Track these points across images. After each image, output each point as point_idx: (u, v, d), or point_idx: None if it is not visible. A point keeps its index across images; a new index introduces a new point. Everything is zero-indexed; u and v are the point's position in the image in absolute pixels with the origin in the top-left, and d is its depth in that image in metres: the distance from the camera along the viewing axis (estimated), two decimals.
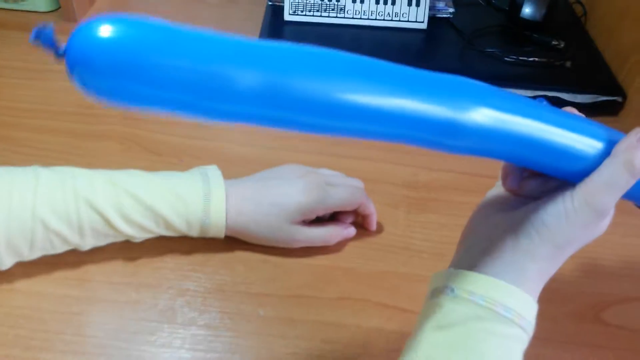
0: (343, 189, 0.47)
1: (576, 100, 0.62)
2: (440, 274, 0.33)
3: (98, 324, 0.41)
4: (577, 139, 0.31)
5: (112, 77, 0.25)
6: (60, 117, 0.59)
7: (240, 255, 0.46)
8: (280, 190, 0.45)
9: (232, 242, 0.46)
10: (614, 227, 0.49)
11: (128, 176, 0.44)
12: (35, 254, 0.42)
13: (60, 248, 0.42)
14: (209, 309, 0.42)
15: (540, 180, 0.34)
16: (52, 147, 0.55)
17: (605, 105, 0.63)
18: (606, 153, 0.31)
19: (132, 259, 0.45)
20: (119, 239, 0.43)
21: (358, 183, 0.49)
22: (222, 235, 0.45)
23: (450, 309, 0.31)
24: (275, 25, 0.68)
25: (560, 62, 0.64)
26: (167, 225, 0.43)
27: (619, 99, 0.62)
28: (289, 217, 0.45)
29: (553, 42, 0.66)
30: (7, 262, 0.41)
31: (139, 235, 0.43)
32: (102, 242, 0.43)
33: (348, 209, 0.47)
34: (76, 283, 0.43)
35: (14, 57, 0.66)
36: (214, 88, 0.26)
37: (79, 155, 0.54)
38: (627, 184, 0.30)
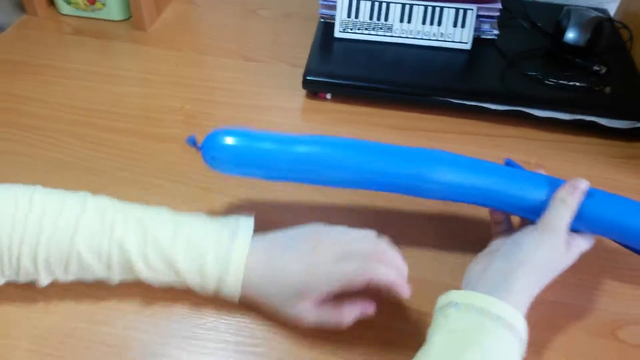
0: (356, 264, 0.42)
1: (613, 126, 0.64)
2: (445, 295, 0.40)
3: (155, 306, 0.46)
4: (523, 188, 0.45)
5: (227, 165, 0.47)
6: (127, 119, 0.65)
7: None
8: (290, 267, 0.43)
9: None
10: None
11: (160, 221, 0.44)
12: (69, 278, 0.44)
13: (91, 278, 0.44)
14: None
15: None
16: (119, 146, 0.61)
17: None
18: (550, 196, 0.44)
19: None
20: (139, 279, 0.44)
21: (388, 251, 0.44)
22: (235, 300, 0.44)
23: (456, 317, 0.38)
24: (326, 41, 0.72)
25: (600, 87, 0.66)
26: (182, 279, 0.43)
27: None
28: (294, 296, 0.42)
29: (594, 67, 0.68)
30: (45, 281, 0.44)
31: (156, 283, 0.44)
32: (129, 279, 0.44)
33: (359, 286, 0.42)
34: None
35: (89, 62, 0.73)
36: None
37: (143, 154, 0.60)
38: (567, 217, 0.43)
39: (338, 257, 0.42)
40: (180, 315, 0.46)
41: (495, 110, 0.65)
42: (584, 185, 0.44)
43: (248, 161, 0.46)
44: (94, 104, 0.67)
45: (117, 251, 0.43)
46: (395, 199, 0.56)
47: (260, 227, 0.46)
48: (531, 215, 0.45)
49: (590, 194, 0.44)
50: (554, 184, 0.45)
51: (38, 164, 0.58)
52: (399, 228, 0.54)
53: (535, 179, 0.46)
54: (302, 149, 0.46)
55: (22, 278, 0.43)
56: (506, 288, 0.40)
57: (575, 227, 0.44)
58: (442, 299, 0.40)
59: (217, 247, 0.43)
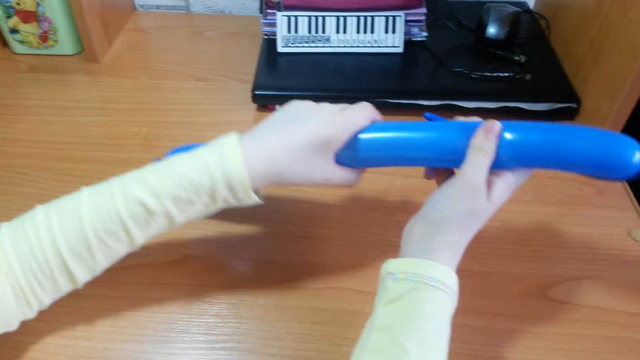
0: (359, 108, 0.47)
1: (535, 109, 0.71)
2: (385, 265, 0.43)
3: (130, 317, 0.51)
4: (443, 140, 0.45)
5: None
6: (89, 147, 0.68)
7: (245, 256, 0.56)
8: (305, 131, 0.44)
9: (236, 246, 0.56)
10: (555, 218, 0.58)
11: (154, 164, 0.46)
12: (99, 264, 0.44)
13: (117, 251, 0.44)
14: (218, 302, 0.52)
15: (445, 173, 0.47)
16: (84, 174, 0.65)
17: (562, 112, 0.71)
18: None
19: (158, 265, 0.55)
20: (161, 223, 0.44)
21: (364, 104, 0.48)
22: (249, 189, 0.43)
23: (393, 288, 0.41)
24: (271, 57, 0.78)
25: (521, 75, 0.73)
26: (194, 187, 0.43)
27: (574, 104, 0.71)
28: (322, 155, 0.45)
29: (515, 58, 0.75)
30: (80, 275, 0.44)
31: (176, 212, 0.43)
32: (150, 232, 0.44)
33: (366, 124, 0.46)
34: (111, 286, 0.53)
35: (48, 97, 0.76)
36: None
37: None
38: (486, 164, 0.43)
39: (341, 109, 0.46)
40: (153, 322, 0.50)
41: (428, 105, 0.71)
42: (497, 127, 0.43)
43: None
44: (57, 136, 0.70)
45: (124, 206, 0.42)
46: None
47: None
48: (458, 165, 0.44)
49: (510, 129, 0.44)
50: (472, 129, 0.44)
51: (14, 199, 0.62)
52: (345, 251, 0.59)
53: (454, 127, 0.46)
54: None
55: (62, 285, 0.44)
56: (429, 249, 0.42)
57: (504, 166, 0.44)
58: (383, 269, 0.43)
59: (209, 148, 0.44)
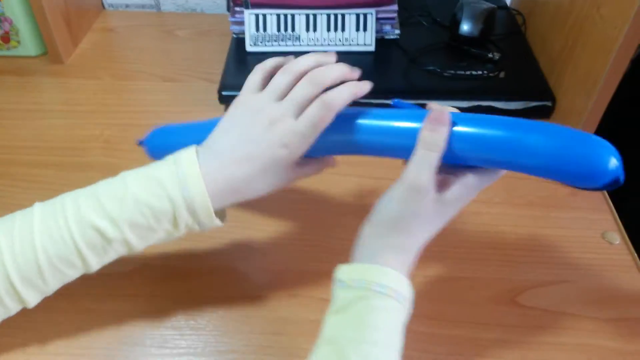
0: (315, 109, 0.42)
1: (509, 108, 0.69)
2: (338, 271, 0.40)
3: (80, 329, 0.48)
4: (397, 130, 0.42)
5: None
6: (50, 151, 0.66)
7: (205, 264, 0.54)
8: (262, 155, 0.42)
9: (197, 254, 0.54)
10: (527, 220, 0.57)
11: (107, 183, 0.43)
12: (52, 287, 0.42)
13: (71, 276, 0.42)
14: (174, 313, 0.50)
15: None
16: (43, 180, 0.62)
17: (537, 110, 0.69)
18: None
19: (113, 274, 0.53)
20: (119, 250, 0.42)
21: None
22: (212, 213, 0.41)
23: (341, 296, 0.39)
24: (239, 56, 0.75)
25: (495, 73, 0.71)
26: (154, 213, 0.40)
27: (549, 103, 0.69)
28: (282, 168, 0.42)
29: (489, 55, 0.73)
30: (31, 299, 0.42)
31: (135, 239, 0.41)
32: (106, 259, 0.43)
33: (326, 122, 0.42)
34: (61, 297, 0.51)
35: (10, 100, 0.74)
36: None
37: (66, 185, 0.60)
38: (432, 159, 0.38)
39: (297, 106, 0.42)
40: (106, 336, 0.48)
41: None
42: (445, 117, 0.39)
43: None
44: (19, 140, 0.68)
45: (79, 231, 0.40)
46: None
47: None
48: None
49: (460, 121, 0.39)
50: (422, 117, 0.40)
51: None
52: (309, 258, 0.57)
53: (414, 115, 0.41)
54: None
55: (11, 308, 0.42)
56: (376, 252, 0.39)
57: (455, 162, 0.40)
58: (334, 276, 0.41)
59: (167, 166, 0.42)
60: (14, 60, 0.81)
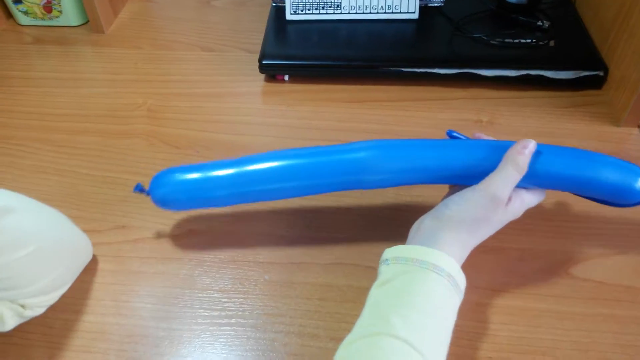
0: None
1: (559, 77, 0.66)
2: (384, 252, 0.43)
3: (131, 291, 0.49)
4: (467, 159, 0.46)
5: (180, 203, 0.49)
6: (93, 119, 0.67)
7: (249, 229, 0.53)
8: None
9: (241, 219, 0.54)
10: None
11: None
12: None
13: None
14: (222, 277, 0.50)
15: None
16: (87, 147, 0.63)
17: (588, 80, 0.67)
18: (499, 159, 0.44)
19: (160, 239, 0.53)
20: None
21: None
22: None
23: (385, 271, 0.41)
24: (279, 25, 0.74)
25: (545, 42, 0.69)
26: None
27: (601, 72, 0.66)
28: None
29: (538, 23, 0.70)
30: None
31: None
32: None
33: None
34: (113, 260, 0.51)
35: (52, 69, 0.75)
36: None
37: (110, 152, 0.62)
38: (515, 177, 0.43)
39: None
40: (155, 297, 0.48)
41: (445, 74, 0.67)
42: (532, 145, 0.44)
43: (198, 194, 0.47)
44: (60, 108, 0.68)
45: None
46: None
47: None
48: (479, 180, 0.45)
49: (538, 152, 0.45)
50: (497, 148, 0.45)
51: (13, 172, 0.60)
52: (354, 225, 0.56)
53: (478, 146, 0.46)
54: (240, 169, 0.47)
55: None
56: (434, 242, 0.42)
57: (527, 184, 0.45)
58: (380, 259, 0.43)
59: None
60: (56, 29, 0.81)
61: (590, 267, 0.50)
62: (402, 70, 0.68)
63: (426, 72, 0.67)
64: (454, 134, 0.50)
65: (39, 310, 0.44)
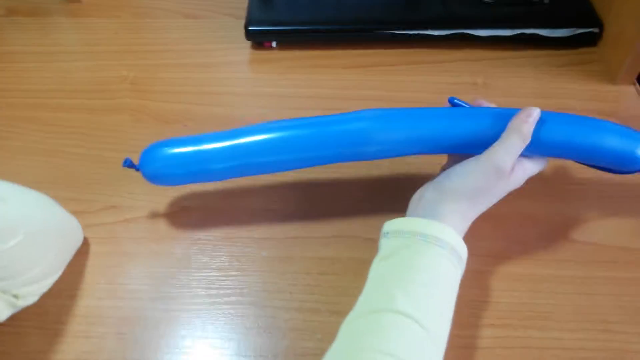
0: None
1: (554, 35, 0.65)
2: (384, 225, 0.42)
3: (126, 273, 0.48)
4: (471, 127, 0.44)
5: (171, 178, 0.47)
6: (76, 94, 0.64)
7: (244, 205, 0.52)
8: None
9: (235, 195, 0.53)
10: None
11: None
12: None
13: None
14: (218, 254, 0.49)
15: None
16: (72, 124, 0.61)
17: (583, 37, 0.65)
18: (504, 127, 0.43)
19: (153, 217, 0.52)
20: None
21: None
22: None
23: (387, 245, 0.40)
24: None
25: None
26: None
27: (596, 29, 0.65)
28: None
29: None
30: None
31: None
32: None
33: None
34: (106, 241, 0.50)
35: (30, 42, 0.71)
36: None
37: (98, 129, 0.60)
38: (519, 147, 0.42)
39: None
40: (151, 278, 0.47)
41: (438, 36, 0.65)
42: (536, 112, 0.43)
43: (189, 168, 0.45)
44: (42, 84, 0.66)
45: None
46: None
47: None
48: (482, 150, 0.43)
49: (542, 119, 0.44)
50: (501, 116, 0.44)
51: (1, 154, 0.58)
52: (352, 197, 0.54)
53: (481, 114, 0.45)
54: (237, 140, 0.45)
55: None
56: (436, 214, 0.41)
57: (529, 153, 0.44)
58: (381, 231, 0.42)
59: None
60: (30, 0, 0.77)
61: (589, 229, 0.50)
62: (395, 33, 0.66)
63: (420, 34, 0.65)
64: (456, 101, 0.48)
65: (32, 299, 0.43)
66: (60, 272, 0.46)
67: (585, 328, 0.44)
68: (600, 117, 0.58)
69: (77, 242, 0.48)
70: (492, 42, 0.66)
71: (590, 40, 0.66)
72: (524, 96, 0.62)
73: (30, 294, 0.43)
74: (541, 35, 0.65)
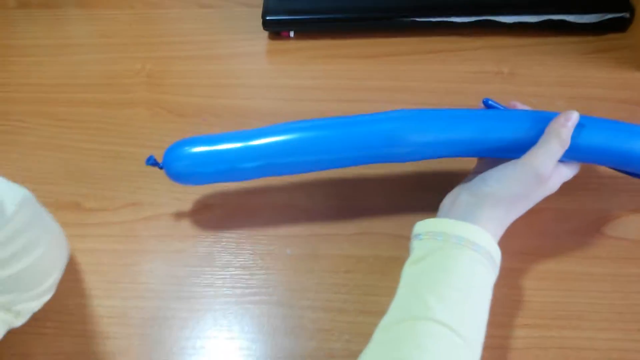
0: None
1: (582, 21, 0.63)
2: (415, 226, 0.41)
3: (150, 272, 0.47)
4: (507, 131, 0.43)
5: (195, 177, 0.46)
6: (89, 88, 0.63)
7: (268, 202, 0.51)
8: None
9: (258, 192, 0.51)
10: None
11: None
12: None
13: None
14: (242, 253, 0.48)
15: None
16: (87, 119, 0.60)
17: (613, 23, 0.63)
18: (541, 131, 0.42)
19: (175, 215, 0.51)
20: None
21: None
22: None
23: (419, 247, 0.38)
24: None
25: None
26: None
27: (627, 14, 0.62)
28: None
29: None
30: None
31: None
32: None
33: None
34: (127, 239, 0.49)
35: (42, 35, 0.70)
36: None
37: (113, 123, 0.59)
38: (559, 152, 0.41)
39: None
40: (175, 277, 0.47)
41: (461, 23, 0.63)
42: (575, 116, 0.42)
43: (215, 167, 0.45)
44: (55, 78, 0.64)
45: None
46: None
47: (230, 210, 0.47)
48: (518, 155, 0.42)
49: (580, 124, 0.42)
50: (538, 119, 0.43)
51: (14, 150, 0.57)
52: (377, 193, 0.52)
53: (517, 117, 0.44)
54: (266, 140, 0.44)
55: None
56: (472, 218, 0.39)
57: (565, 158, 0.43)
58: (412, 232, 0.41)
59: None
60: None
61: (623, 225, 0.48)
62: (416, 20, 0.64)
63: (442, 22, 0.63)
64: (490, 102, 0.46)
65: (26, 318, 0.41)
66: (54, 290, 0.43)
67: (619, 328, 0.43)
68: (628, 106, 0.58)
69: (68, 254, 0.45)
70: (516, 29, 0.63)
71: (620, 26, 0.63)
72: (549, 85, 0.60)
73: (28, 311, 0.40)
74: (568, 22, 0.62)
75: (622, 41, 0.63)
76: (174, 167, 0.45)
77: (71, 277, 0.46)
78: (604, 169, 0.52)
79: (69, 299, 0.45)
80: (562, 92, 0.59)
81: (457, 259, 0.37)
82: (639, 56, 0.61)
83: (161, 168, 0.46)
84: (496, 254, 0.39)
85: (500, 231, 0.41)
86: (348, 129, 0.44)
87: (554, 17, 0.62)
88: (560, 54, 0.62)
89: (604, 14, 0.62)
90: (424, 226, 0.40)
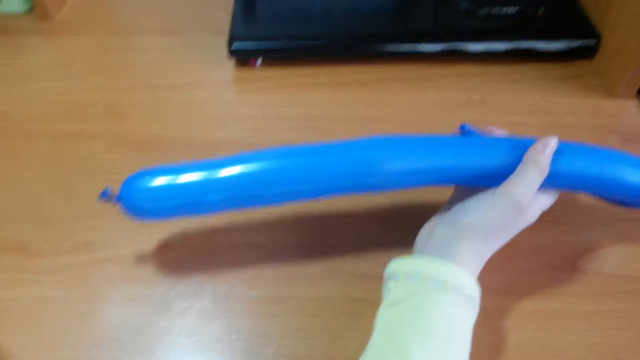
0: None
1: (550, 48, 0.62)
2: (390, 265, 0.38)
3: (101, 320, 0.44)
4: (484, 158, 0.41)
5: (154, 212, 0.42)
6: (44, 119, 0.60)
7: (229, 241, 0.48)
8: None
9: (219, 230, 0.49)
10: None
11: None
12: None
13: None
14: (202, 297, 0.45)
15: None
16: (39, 153, 0.56)
17: (580, 50, 0.63)
18: (520, 158, 0.40)
19: (130, 257, 0.48)
20: None
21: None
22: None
23: (395, 290, 0.36)
24: (248, 2, 0.68)
25: (533, 10, 0.64)
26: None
27: (594, 41, 0.62)
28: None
29: None
30: None
31: None
32: None
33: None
34: (78, 286, 0.46)
35: None
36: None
37: (67, 157, 0.56)
38: (538, 180, 0.39)
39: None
40: (128, 326, 0.43)
41: (430, 51, 0.62)
42: (554, 142, 0.40)
43: (179, 200, 0.41)
44: (10, 106, 0.61)
45: None
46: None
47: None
48: (496, 183, 0.40)
49: (558, 151, 0.41)
50: (516, 146, 0.41)
51: None
52: (344, 229, 0.50)
53: (495, 144, 0.42)
54: (232, 169, 0.41)
55: None
56: (450, 253, 0.38)
57: (543, 186, 0.41)
58: (386, 271, 0.39)
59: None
60: None
61: (599, 257, 0.47)
62: (384, 50, 0.62)
63: (411, 51, 0.62)
64: (467, 127, 0.45)
65: None
66: None
67: None
68: (600, 132, 0.57)
69: None
70: (486, 58, 0.63)
71: (587, 53, 0.63)
72: (520, 112, 0.59)
73: None
74: (536, 49, 0.62)
75: (589, 68, 0.63)
76: (131, 200, 0.41)
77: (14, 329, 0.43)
78: (578, 198, 0.51)
79: (19, 352, 0.42)
80: (533, 119, 0.58)
81: (437, 304, 0.35)
82: (607, 83, 0.61)
83: (116, 203, 0.42)
84: (476, 293, 0.37)
85: (480, 265, 0.40)
86: (319, 157, 0.41)
87: (522, 44, 0.62)
88: (530, 81, 0.62)
89: (571, 41, 0.62)
90: (401, 265, 0.38)
